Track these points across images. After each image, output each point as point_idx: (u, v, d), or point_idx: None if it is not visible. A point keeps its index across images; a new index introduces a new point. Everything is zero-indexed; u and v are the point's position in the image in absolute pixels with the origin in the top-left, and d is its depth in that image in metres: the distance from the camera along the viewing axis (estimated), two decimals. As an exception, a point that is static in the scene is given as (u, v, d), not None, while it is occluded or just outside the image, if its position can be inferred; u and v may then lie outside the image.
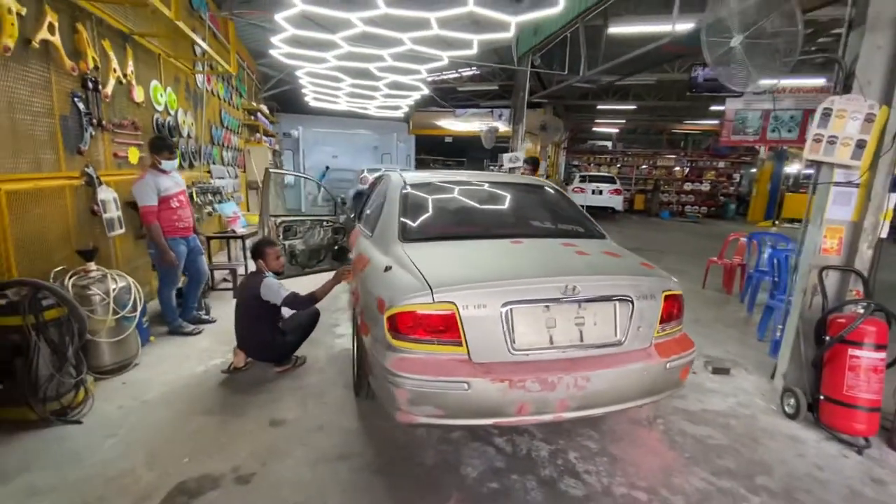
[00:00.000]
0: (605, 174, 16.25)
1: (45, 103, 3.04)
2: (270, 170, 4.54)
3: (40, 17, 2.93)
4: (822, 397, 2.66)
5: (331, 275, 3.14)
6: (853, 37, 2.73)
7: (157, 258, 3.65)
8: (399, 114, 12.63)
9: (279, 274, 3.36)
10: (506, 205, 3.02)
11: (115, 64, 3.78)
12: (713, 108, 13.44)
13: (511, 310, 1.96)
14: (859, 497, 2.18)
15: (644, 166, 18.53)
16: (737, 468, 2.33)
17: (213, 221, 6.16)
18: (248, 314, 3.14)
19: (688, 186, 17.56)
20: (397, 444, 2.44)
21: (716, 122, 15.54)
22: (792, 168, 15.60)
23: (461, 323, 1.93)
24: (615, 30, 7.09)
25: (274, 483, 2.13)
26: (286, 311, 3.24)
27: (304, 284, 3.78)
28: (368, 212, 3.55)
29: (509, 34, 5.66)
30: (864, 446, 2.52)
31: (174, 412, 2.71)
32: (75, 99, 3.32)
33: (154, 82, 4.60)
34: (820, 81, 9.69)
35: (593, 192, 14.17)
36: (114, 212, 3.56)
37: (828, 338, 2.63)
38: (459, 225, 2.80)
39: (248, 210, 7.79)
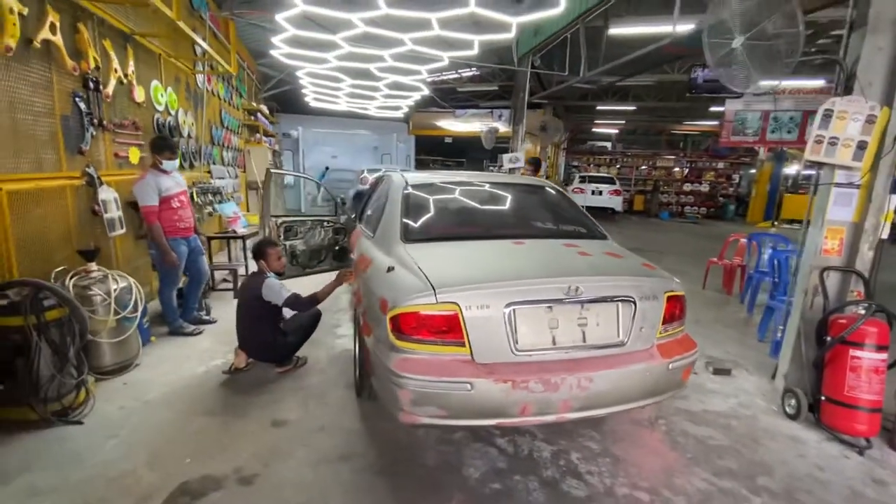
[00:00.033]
0: (605, 175, 16.26)
1: (46, 103, 3.03)
2: (272, 170, 4.54)
3: (42, 17, 2.92)
4: (823, 398, 2.66)
5: (332, 275, 3.14)
6: (854, 38, 2.74)
7: (158, 258, 3.65)
8: (399, 114, 12.63)
9: (280, 274, 3.35)
10: (507, 205, 3.03)
11: (115, 64, 3.77)
12: (713, 108, 13.46)
13: (514, 310, 1.96)
14: (861, 498, 2.18)
15: (643, 167, 18.54)
16: (738, 469, 2.33)
17: (213, 222, 6.16)
18: (249, 315, 3.14)
19: (687, 187, 17.58)
20: (399, 444, 2.44)
21: (715, 122, 15.56)
22: (791, 169, 15.63)
23: (464, 323, 1.93)
24: (615, 31, 7.09)
25: (276, 484, 2.12)
26: (287, 312, 3.24)
27: (305, 285, 3.79)
28: (369, 212, 3.55)
29: (510, 35, 5.67)
30: (865, 447, 2.52)
31: (175, 413, 2.71)
32: (76, 99, 3.31)
33: (155, 82, 4.59)
34: (819, 83, 9.71)
35: (593, 192, 14.19)
36: (115, 212, 3.55)
37: (829, 338, 2.63)
38: (461, 225, 2.81)
39: (248, 210, 7.78)
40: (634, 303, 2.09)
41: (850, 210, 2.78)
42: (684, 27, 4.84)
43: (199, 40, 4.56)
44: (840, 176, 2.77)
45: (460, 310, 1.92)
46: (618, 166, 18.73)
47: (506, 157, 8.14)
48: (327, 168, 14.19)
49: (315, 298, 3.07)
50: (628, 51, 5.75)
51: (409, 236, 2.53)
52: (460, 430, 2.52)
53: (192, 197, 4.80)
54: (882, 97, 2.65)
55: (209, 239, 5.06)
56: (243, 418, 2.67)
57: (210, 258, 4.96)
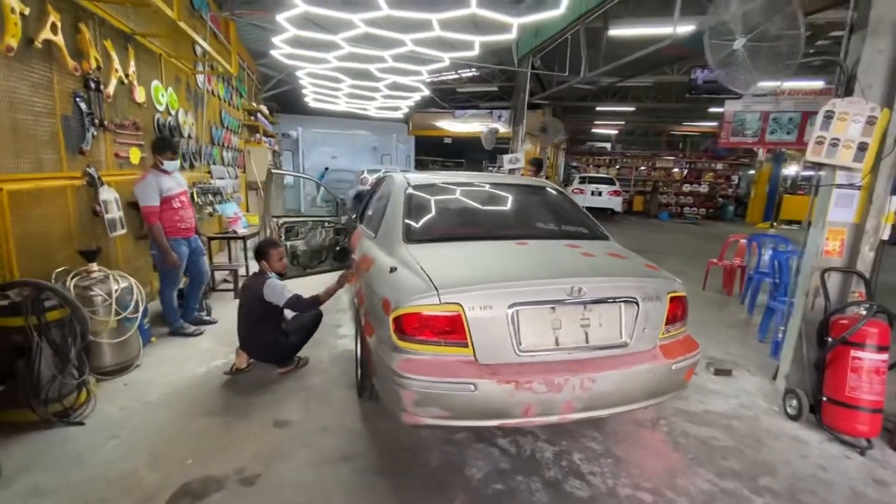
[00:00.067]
0: (605, 175, 16.29)
1: (47, 103, 3.03)
2: (273, 170, 4.53)
3: (43, 17, 2.92)
4: (824, 399, 2.67)
5: (333, 276, 3.14)
6: (855, 40, 2.75)
7: (159, 259, 3.64)
8: (399, 115, 12.62)
9: (282, 275, 3.35)
10: (509, 206, 3.03)
11: (116, 64, 3.77)
12: (712, 109, 13.50)
13: (517, 311, 1.96)
14: (862, 498, 2.18)
15: (643, 168, 18.58)
16: (740, 469, 2.34)
17: (213, 222, 6.15)
18: (250, 315, 3.13)
19: (686, 188, 17.62)
20: (401, 445, 2.44)
21: (714, 123, 15.61)
22: (790, 170, 15.67)
23: (467, 324, 1.93)
24: (615, 32, 7.11)
25: (278, 484, 2.12)
26: (289, 313, 3.23)
27: (306, 285, 3.78)
28: (370, 213, 3.55)
29: (511, 36, 5.67)
30: (867, 447, 2.53)
31: (176, 413, 2.70)
32: (77, 99, 3.31)
33: (155, 82, 4.59)
34: (818, 84, 9.74)
35: (592, 193, 14.21)
36: (115, 212, 3.55)
37: (830, 339, 2.63)
38: (463, 226, 2.81)
39: (248, 210, 7.77)
40: (637, 304, 2.09)
41: (850, 211, 2.79)
42: (685, 28, 4.85)
43: (200, 40, 4.56)
44: (841, 177, 2.78)
45: (463, 310, 1.92)
46: (617, 167, 18.77)
47: (506, 157, 8.14)
48: (327, 168, 14.18)
49: (317, 300, 3.07)
50: (628, 52, 5.76)
51: (411, 237, 2.53)
52: (462, 430, 2.52)
53: (192, 197, 4.80)
54: (882, 99, 2.66)
55: (209, 239, 5.05)
56: (245, 419, 2.66)
57: (210, 258, 4.95)
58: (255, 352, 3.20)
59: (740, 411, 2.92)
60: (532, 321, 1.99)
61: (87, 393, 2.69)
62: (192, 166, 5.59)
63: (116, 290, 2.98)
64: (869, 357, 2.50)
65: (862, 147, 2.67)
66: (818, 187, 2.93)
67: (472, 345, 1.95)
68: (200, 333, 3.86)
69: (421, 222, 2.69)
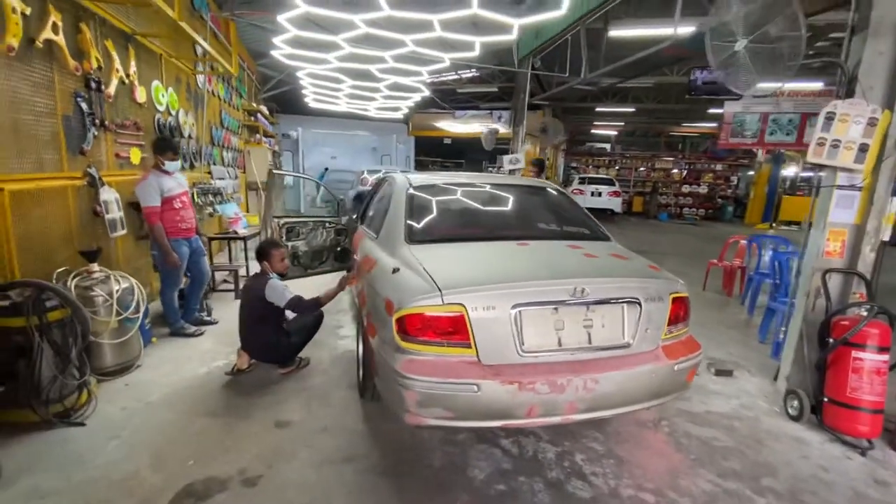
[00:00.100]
0: (604, 176, 16.31)
1: (48, 103, 3.02)
2: (275, 171, 4.53)
3: (44, 17, 2.91)
4: (825, 399, 2.67)
5: (333, 277, 3.14)
6: (856, 41, 2.76)
7: (159, 259, 3.63)
8: (399, 115, 12.63)
9: (283, 276, 3.34)
10: (511, 207, 3.03)
11: (117, 64, 3.76)
12: (711, 110, 13.53)
13: (520, 312, 1.96)
14: (864, 499, 2.19)
15: (642, 168, 18.61)
16: (742, 470, 2.34)
17: (213, 222, 6.14)
18: (252, 315, 3.13)
19: (686, 189, 17.65)
20: (403, 445, 2.44)
21: (714, 124, 15.64)
22: (789, 171, 15.70)
23: (470, 325, 1.93)
24: (616, 33, 7.12)
25: (280, 485, 2.12)
26: (290, 313, 3.23)
27: (307, 286, 3.78)
28: (371, 214, 3.55)
29: (511, 36, 5.68)
30: (868, 448, 2.53)
31: (178, 414, 2.69)
32: (78, 99, 3.30)
33: (156, 83, 4.58)
34: (818, 85, 9.77)
35: (592, 193, 14.22)
36: (116, 212, 3.54)
37: (831, 340, 2.64)
38: (465, 227, 2.81)
39: (248, 211, 7.77)
40: (640, 304, 2.10)
41: (851, 212, 2.80)
42: (685, 29, 4.85)
43: (201, 41, 4.56)
44: (842, 178, 2.79)
45: (466, 311, 1.92)
46: (617, 168, 18.79)
47: (506, 158, 8.15)
48: (326, 169, 14.17)
49: (318, 302, 3.07)
50: (628, 53, 5.77)
51: (413, 237, 2.53)
52: (464, 431, 2.52)
53: (192, 198, 4.79)
54: (883, 100, 2.67)
55: (210, 240, 5.04)
56: (246, 419, 2.66)
57: (211, 259, 4.94)
58: (257, 352, 3.19)
59: (741, 412, 2.93)
60: (535, 322, 1.99)
61: (87, 393, 2.68)
62: (192, 167, 5.59)
63: (117, 291, 2.98)
64: (870, 358, 2.51)
65: (863, 148, 2.67)
66: (819, 188, 2.94)
67: (476, 345, 1.95)
68: (201, 334, 3.86)
69: (423, 223, 2.69)
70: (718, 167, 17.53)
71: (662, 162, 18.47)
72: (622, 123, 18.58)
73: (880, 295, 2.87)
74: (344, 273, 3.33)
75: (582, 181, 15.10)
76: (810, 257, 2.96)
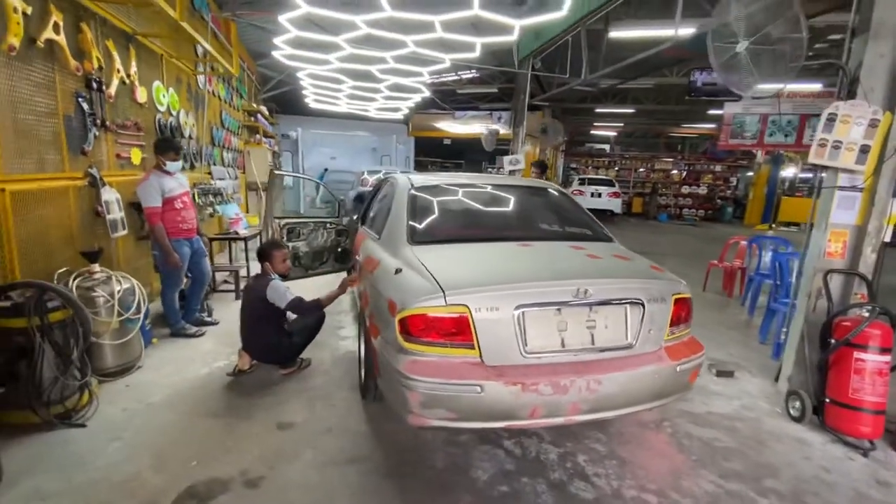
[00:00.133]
0: (604, 177, 16.33)
1: (49, 103, 3.02)
2: (276, 171, 4.53)
3: (45, 17, 2.91)
4: (827, 400, 2.67)
5: (334, 277, 3.13)
6: (857, 43, 2.77)
7: (160, 260, 3.62)
8: (399, 116, 12.63)
9: (285, 276, 3.34)
10: (513, 207, 3.03)
11: (118, 64, 3.76)
12: (711, 111, 13.56)
13: (523, 312, 1.96)
14: (866, 499, 2.19)
15: (641, 169, 18.64)
16: (744, 471, 2.34)
17: (213, 223, 6.14)
18: (253, 316, 3.12)
19: (685, 189, 17.67)
20: (406, 446, 2.43)
21: (713, 125, 15.69)
22: (788, 172, 15.74)
23: (473, 326, 1.93)
24: (616, 34, 7.13)
25: (282, 486, 2.11)
26: (291, 314, 3.22)
27: (308, 287, 3.78)
28: (373, 214, 3.55)
29: (512, 37, 5.68)
30: (870, 449, 2.53)
31: (179, 415, 2.69)
32: (79, 99, 3.30)
33: (156, 83, 4.58)
34: (817, 86, 9.80)
35: (592, 194, 14.24)
36: (117, 213, 3.53)
37: (833, 341, 2.64)
38: (468, 227, 2.81)
39: (248, 211, 7.76)
40: (643, 305, 2.10)
41: (853, 213, 2.81)
42: (686, 30, 4.86)
43: (202, 41, 4.56)
44: (843, 179, 2.79)
45: (470, 312, 1.92)
46: (616, 168, 18.82)
47: (506, 159, 8.16)
48: (326, 170, 14.17)
49: (319, 304, 3.07)
50: (628, 54, 5.78)
51: (415, 238, 2.53)
52: (467, 431, 2.52)
53: (193, 198, 4.79)
54: (884, 102, 2.68)
55: (211, 240, 5.03)
56: (248, 420, 2.65)
57: (211, 259, 4.94)
58: (258, 353, 3.19)
59: (743, 413, 2.93)
60: (538, 323, 1.99)
61: (89, 394, 2.68)
62: (192, 167, 5.58)
63: (119, 291, 2.97)
64: (872, 359, 2.51)
65: (864, 150, 2.68)
66: (821, 189, 2.94)
67: (479, 346, 1.94)
68: (202, 334, 3.85)
69: (425, 223, 2.69)
70: (718, 168, 17.57)
71: (662, 163, 18.50)
72: (622, 124, 18.61)
73: (881, 296, 2.88)
74: (345, 275, 3.33)
75: (581, 182, 15.12)
76: (812, 258, 2.97)
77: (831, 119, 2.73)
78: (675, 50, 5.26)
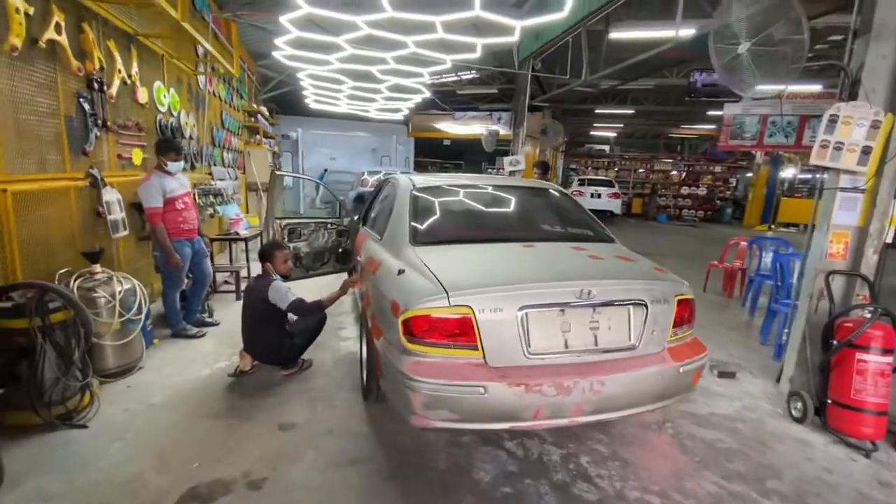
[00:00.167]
0: (603, 178, 16.34)
1: (51, 103, 3.01)
2: (277, 172, 4.53)
3: (47, 17, 2.90)
4: (829, 401, 2.67)
5: (335, 278, 3.13)
6: (858, 44, 2.77)
7: (162, 260, 3.62)
8: (399, 116, 12.64)
9: (286, 277, 3.34)
10: (515, 208, 3.03)
11: (119, 65, 3.75)
12: (710, 112, 13.58)
13: (527, 313, 1.95)
14: (869, 500, 2.19)
15: (641, 170, 18.65)
16: (747, 472, 2.34)
17: (213, 223, 6.13)
18: (254, 317, 3.12)
19: (685, 190, 17.68)
20: (408, 448, 2.43)
21: (713, 126, 15.72)
22: (787, 173, 15.77)
23: (477, 327, 1.93)
24: (616, 35, 7.14)
25: (285, 488, 2.11)
26: (292, 315, 3.22)
27: (309, 287, 3.78)
28: (374, 215, 3.54)
29: (513, 38, 5.69)
30: (872, 450, 2.54)
31: (181, 416, 2.68)
32: (81, 99, 3.29)
33: (157, 83, 4.58)
34: (817, 87, 9.82)
35: (591, 195, 14.25)
36: (118, 213, 3.53)
37: (835, 342, 2.64)
38: (470, 228, 2.81)
39: (248, 212, 7.75)
40: (646, 306, 2.09)
41: (854, 214, 2.81)
42: (686, 31, 4.86)
43: (203, 41, 4.55)
44: (845, 181, 2.80)
45: (473, 313, 1.92)
46: (616, 169, 18.83)
47: (506, 159, 8.16)
48: (325, 170, 14.16)
49: (320, 305, 3.07)
50: (629, 54, 5.79)
51: (417, 239, 2.53)
52: (469, 433, 2.51)
53: (193, 198, 4.78)
54: (886, 103, 2.68)
55: (211, 241, 5.03)
56: (249, 421, 2.65)
57: (212, 260, 4.93)
58: (259, 354, 3.18)
59: (745, 414, 2.93)
60: (541, 324, 1.98)
61: (90, 395, 2.67)
62: (193, 167, 5.58)
63: (120, 292, 2.97)
64: (874, 360, 2.51)
65: (866, 151, 2.68)
66: (822, 190, 2.95)
67: (482, 347, 1.94)
68: (203, 335, 3.85)
69: (427, 224, 2.69)
70: (717, 169, 17.59)
71: (661, 164, 18.52)
72: (622, 125, 18.64)
73: (883, 297, 2.89)
74: (346, 276, 3.32)
75: (581, 183, 15.12)
76: (813, 259, 2.97)
77: (833, 120, 2.74)
78: (675, 51, 5.28)
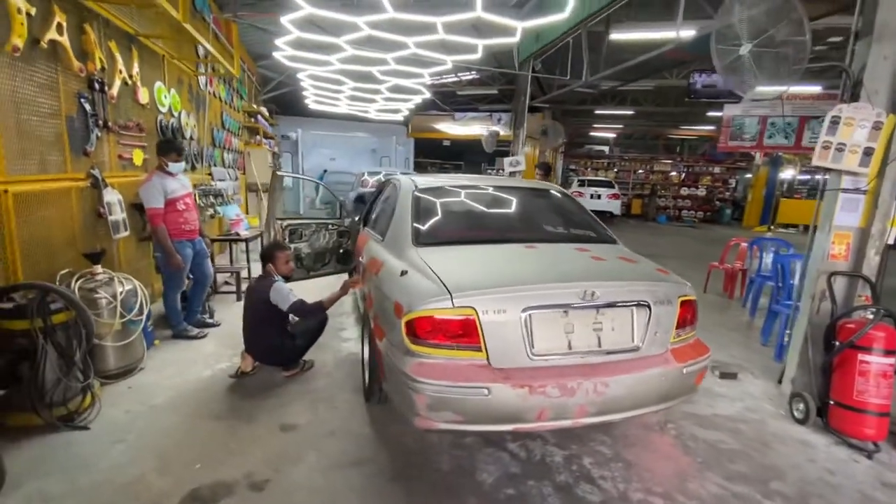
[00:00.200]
0: (603, 179, 16.36)
1: (52, 104, 3.01)
2: (278, 172, 4.52)
3: (49, 18, 2.90)
4: (831, 402, 2.67)
5: (336, 279, 3.12)
6: (860, 46, 2.77)
7: (163, 261, 3.61)
8: (399, 117, 12.64)
9: (288, 278, 3.33)
10: (517, 209, 3.03)
11: (120, 65, 3.75)
12: (710, 113, 13.60)
13: (530, 315, 1.95)
14: (871, 502, 2.19)
15: (641, 171, 18.67)
16: (750, 473, 2.34)
17: (214, 224, 6.12)
18: (256, 318, 3.11)
19: (684, 191, 17.70)
20: (411, 449, 2.43)
21: (712, 127, 15.74)
22: (786, 174, 15.80)
23: (481, 328, 1.92)
24: (617, 36, 7.15)
25: (288, 489, 2.10)
26: (293, 315, 3.21)
27: (310, 288, 3.77)
28: (375, 216, 3.54)
29: (514, 39, 5.69)
30: (874, 451, 2.53)
31: (182, 417, 2.68)
32: (82, 100, 3.28)
33: (158, 84, 4.57)
34: (816, 89, 9.84)
35: (591, 196, 14.26)
36: (119, 214, 3.52)
37: (837, 343, 2.64)
38: (472, 229, 2.80)
39: (248, 212, 7.75)
40: (649, 307, 2.09)
41: (856, 215, 2.81)
42: (687, 32, 4.87)
43: (204, 42, 4.55)
44: (847, 181, 2.80)
45: (477, 314, 1.92)
46: (615, 170, 18.85)
47: (507, 160, 8.16)
48: (325, 171, 14.16)
49: (321, 306, 3.06)
50: (629, 55, 5.79)
51: (420, 240, 2.52)
52: (472, 434, 2.51)
53: (194, 199, 4.77)
54: (888, 104, 2.68)
55: (212, 241, 5.02)
56: (251, 422, 2.64)
57: (212, 260, 4.92)
58: (261, 354, 3.17)
59: (747, 415, 2.93)
60: (545, 325, 1.98)
61: (91, 396, 2.66)
62: (193, 168, 5.57)
63: (121, 293, 2.96)
64: (876, 361, 2.51)
65: (868, 152, 2.69)
66: (824, 191, 2.95)
67: (486, 348, 1.94)
68: (204, 336, 3.84)
69: (430, 225, 2.68)
70: (716, 170, 17.61)
71: (661, 164, 18.54)
72: (621, 126, 18.66)
73: (885, 298, 2.89)
74: (347, 276, 3.32)
75: (581, 184, 15.13)
76: (815, 260, 2.97)
77: (835, 122, 2.74)
78: (676, 52, 5.29)
